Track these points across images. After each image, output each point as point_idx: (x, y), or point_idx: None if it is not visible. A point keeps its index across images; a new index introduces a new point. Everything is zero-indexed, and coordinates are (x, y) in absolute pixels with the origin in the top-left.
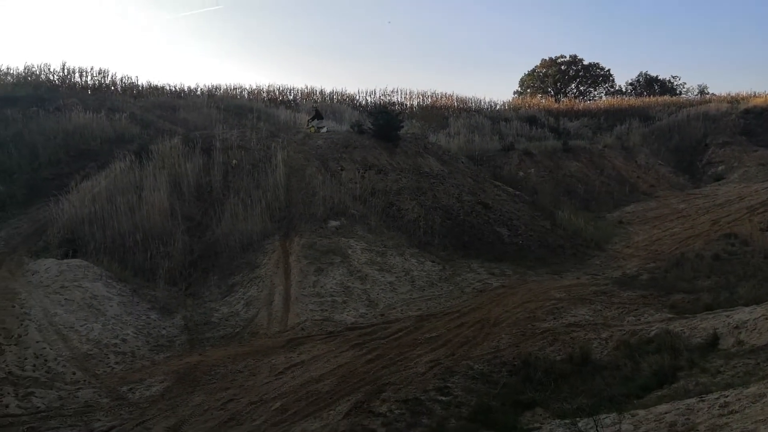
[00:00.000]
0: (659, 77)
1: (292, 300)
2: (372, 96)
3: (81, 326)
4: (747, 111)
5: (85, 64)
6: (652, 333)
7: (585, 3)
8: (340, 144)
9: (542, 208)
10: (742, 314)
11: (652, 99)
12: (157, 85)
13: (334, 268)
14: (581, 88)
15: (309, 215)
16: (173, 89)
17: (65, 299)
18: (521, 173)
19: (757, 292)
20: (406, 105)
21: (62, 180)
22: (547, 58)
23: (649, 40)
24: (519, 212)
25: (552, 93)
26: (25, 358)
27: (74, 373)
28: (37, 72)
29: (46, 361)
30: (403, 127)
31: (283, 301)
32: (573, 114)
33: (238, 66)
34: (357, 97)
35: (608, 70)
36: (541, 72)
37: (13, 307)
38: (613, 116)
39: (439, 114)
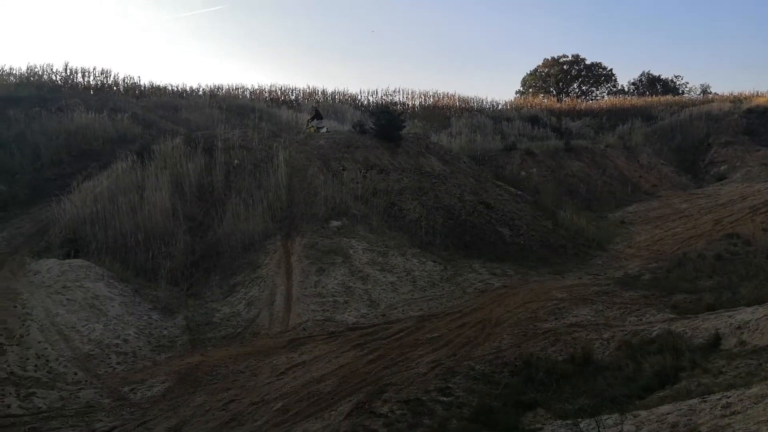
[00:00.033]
0: (661, 77)
1: (294, 300)
2: (374, 96)
3: (83, 326)
4: (750, 110)
5: (88, 65)
6: (654, 333)
7: (587, 2)
8: (342, 144)
9: (544, 207)
10: (744, 314)
11: (655, 98)
12: (159, 86)
13: (336, 268)
14: (583, 87)
15: (310, 215)
16: (175, 89)
17: (67, 299)
18: (523, 173)
19: (759, 292)
20: (408, 105)
21: (64, 180)
22: (550, 58)
23: (652, 40)
24: (521, 212)
25: (554, 93)
26: (27, 359)
27: (76, 374)
28: (40, 72)
29: (47, 361)
30: (404, 126)
31: (285, 301)
32: (575, 114)
33: (240, 66)
34: (359, 97)
35: (610, 70)
36: (543, 71)
37: (15, 307)
38: (616, 116)
39: (440, 114)
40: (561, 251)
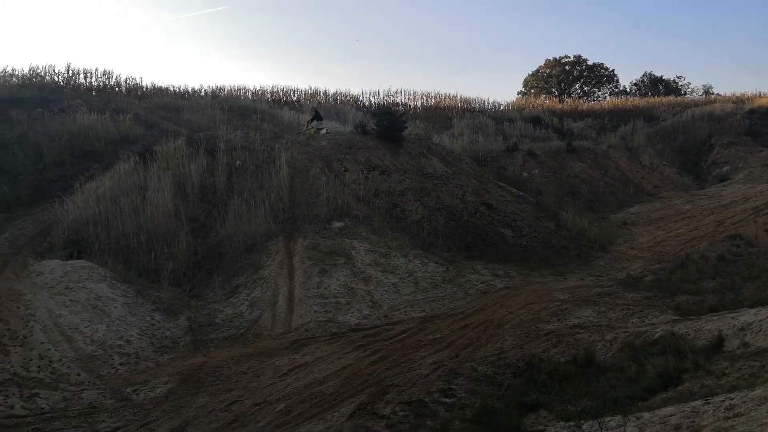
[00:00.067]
0: (664, 77)
1: (296, 301)
2: (375, 97)
3: (85, 327)
4: (752, 111)
5: (90, 66)
6: (657, 335)
7: (589, 3)
8: (344, 145)
9: (546, 208)
10: (747, 316)
11: (657, 99)
12: (161, 87)
13: (338, 269)
14: (585, 88)
15: (313, 216)
16: (177, 90)
17: (70, 300)
18: (525, 174)
19: (762, 293)
20: (410, 106)
21: (67, 181)
22: (551, 59)
23: (654, 40)
24: (523, 213)
25: (556, 93)
26: (30, 359)
27: (79, 374)
28: (42, 73)
29: (50, 362)
30: (406, 127)
31: (287, 302)
32: (577, 114)
33: (241, 66)
34: (361, 98)
35: (612, 71)
36: (545, 72)
37: (18, 308)
38: (618, 117)
39: (442, 115)
40: (563, 252)
